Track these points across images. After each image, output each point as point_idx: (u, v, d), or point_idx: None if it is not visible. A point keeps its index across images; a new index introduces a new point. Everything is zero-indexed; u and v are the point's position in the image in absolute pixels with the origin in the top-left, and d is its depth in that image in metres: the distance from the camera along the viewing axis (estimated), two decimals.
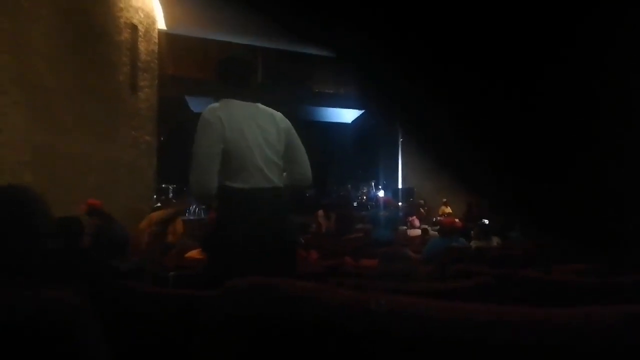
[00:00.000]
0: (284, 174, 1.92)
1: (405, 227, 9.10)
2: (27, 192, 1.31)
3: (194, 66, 9.89)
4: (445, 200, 10.36)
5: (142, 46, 7.37)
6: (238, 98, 1.83)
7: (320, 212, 7.88)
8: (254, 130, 1.78)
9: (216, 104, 1.80)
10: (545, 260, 2.87)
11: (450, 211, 10.01)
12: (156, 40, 8.09)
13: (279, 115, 1.93)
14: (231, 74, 1.87)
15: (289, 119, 1.98)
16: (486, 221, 5.68)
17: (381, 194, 13.52)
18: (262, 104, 1.91)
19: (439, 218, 9.18)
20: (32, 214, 1.25)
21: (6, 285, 1.04)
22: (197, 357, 0.73)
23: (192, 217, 9.61)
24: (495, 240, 4.74)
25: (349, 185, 14.64)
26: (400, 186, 12.74)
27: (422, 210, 10.27)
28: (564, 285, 1.70)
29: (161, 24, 8.44)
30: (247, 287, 0.60)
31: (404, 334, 0.55)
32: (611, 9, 5.56)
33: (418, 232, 7.15)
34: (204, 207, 10.30)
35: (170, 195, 10.48)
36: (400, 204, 11.99)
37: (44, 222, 1.29)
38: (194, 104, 12.40)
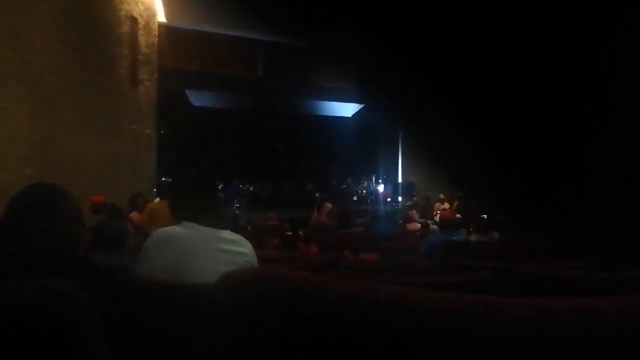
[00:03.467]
0: None
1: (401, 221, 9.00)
2: (55, 189, 1.34)
3: (194, 59, 9.85)
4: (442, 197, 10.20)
5: (142, 39, 7.34)
6: None
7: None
8: None
9: None
10: (543, 255, 2.88)
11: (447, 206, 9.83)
12: (156, 33, 8.06)
13: None
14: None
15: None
16: (485, 216, 5.68)
17: (381, 188, 13.52)
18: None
19: (439, 212, 9.11)
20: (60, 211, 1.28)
21: (11, 276, 1.05)
22: (195, 347, 0.73)
23: None
24: (495, 235, 4.74)
25: (349, 179, 14.65)
26: (400, 180, 12.73)
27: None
28: (562, 279, 1.70)
29: (161, 17, 8.41)
30: (246, 277, 0.60)
31: (402, 325, 0.56)
32: (612, 9, 5.53)
33: (417, 226, 7.14)
34: None
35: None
36: (400, 198, 11.99)
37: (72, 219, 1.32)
38: (194, 97, 12.38)
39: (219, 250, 1.47)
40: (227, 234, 1.55)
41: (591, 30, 5.73)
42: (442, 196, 9.98)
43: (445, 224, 4.52)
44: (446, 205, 9.44)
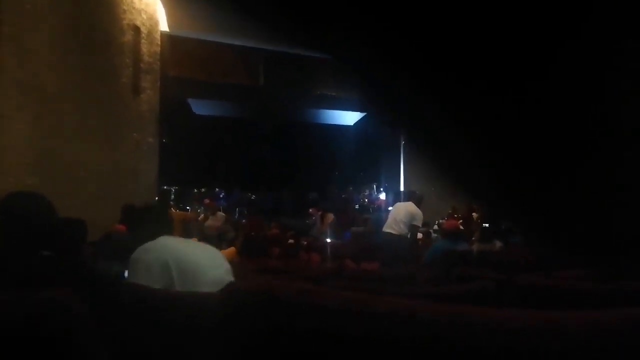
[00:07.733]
0: None
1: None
2: (36, 198, 1.33)
3: (196, 68, 9.91)
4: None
5: (144, 48, 7.39)
6: None
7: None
8: None
9: None
10: (547, 265, 2.86)
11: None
12: (159, 42, 8.12)
13: None
14: None
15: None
16: (487, 225, 5.65)
17: (382, 196, 13.50)
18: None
19: (441, 221, 8.98)
20: (39, 220, 1.28)
21: (5, 286, 1.05)
22: (196, 358, 0.73)
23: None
24: (497, 244, 4.72)
25: (351, 188, 14.64)
26: (402, 189, 12.71)
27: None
28: (565, 290, 1.69)
29: (164, 26, 8.47)
30: (247, 288, 0.60)
31: (404, 338, 0.55)
32: (616, 10, 5.55)
33: (419, 235, 7.12)
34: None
35: (172, 197, 10.49)
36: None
37: (49, 228, 1.31)
38: (196, 105, 12.44)
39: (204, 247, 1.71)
40: None
41: (596, 27, 5.75)
42: (450, 211, 9.52)
43: (449, 232, 4.51)
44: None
